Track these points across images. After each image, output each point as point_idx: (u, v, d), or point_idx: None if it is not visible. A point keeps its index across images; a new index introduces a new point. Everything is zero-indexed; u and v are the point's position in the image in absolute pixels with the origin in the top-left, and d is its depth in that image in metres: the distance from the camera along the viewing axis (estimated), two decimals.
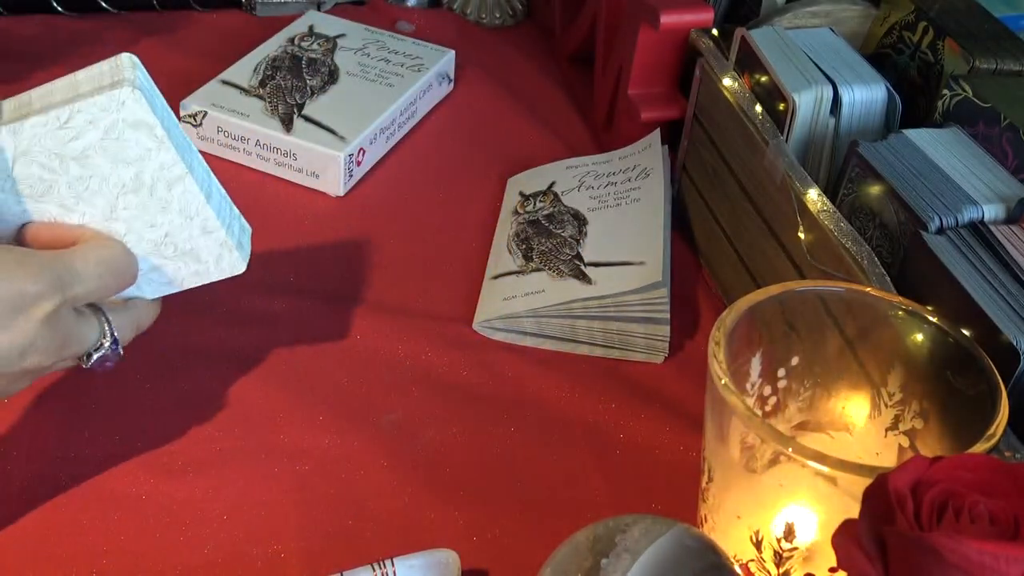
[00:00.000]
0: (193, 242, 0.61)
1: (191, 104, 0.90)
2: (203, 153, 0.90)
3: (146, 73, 0.61)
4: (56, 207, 0.58)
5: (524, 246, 0.81)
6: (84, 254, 0.56)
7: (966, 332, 0.56)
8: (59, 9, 1.05)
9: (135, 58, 0.60)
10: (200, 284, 0.63)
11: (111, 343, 0.57)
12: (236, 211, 0.64)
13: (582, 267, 0.77)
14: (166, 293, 0.62)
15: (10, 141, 0.58)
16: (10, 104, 0.60)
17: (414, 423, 0.70)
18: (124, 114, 0.57)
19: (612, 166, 0.88)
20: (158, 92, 0.60)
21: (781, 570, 0.54)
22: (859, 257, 0.63)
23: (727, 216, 0.80)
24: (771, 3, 0.88)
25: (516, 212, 0.86)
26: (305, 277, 0.80)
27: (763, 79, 0.77)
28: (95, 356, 0.57)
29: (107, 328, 0.57)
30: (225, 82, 0.93)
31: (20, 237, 0.58)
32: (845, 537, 0.43)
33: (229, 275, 0.63)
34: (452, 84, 1.03)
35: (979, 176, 0.67)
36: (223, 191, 0.63)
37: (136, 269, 0.59)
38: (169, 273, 0.61)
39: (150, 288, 0.61)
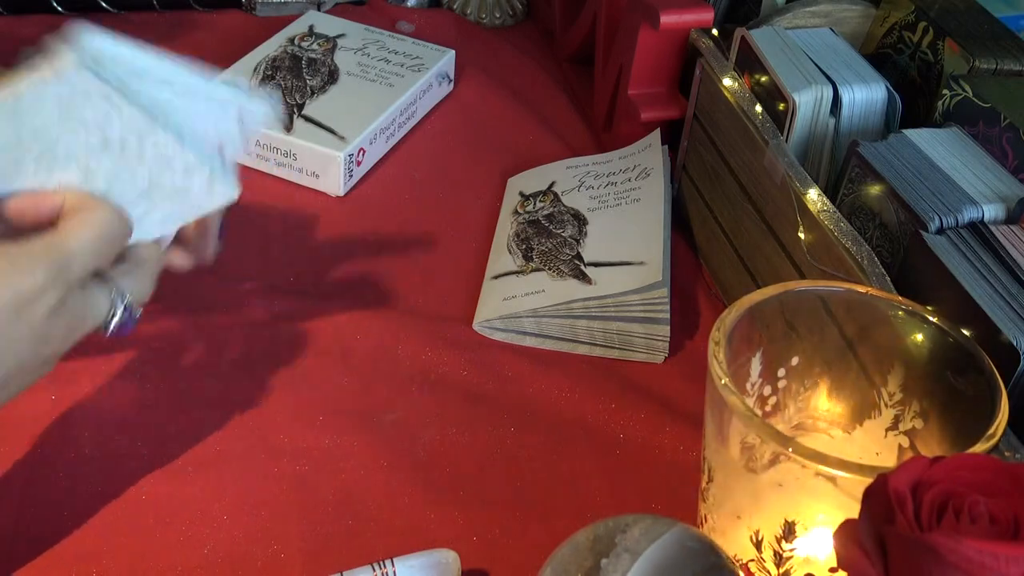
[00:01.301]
0: (178, 183, 0.59)
1: None
2: None
3: (98, 36, 0.58)
4: (30, 183, 0.57)
5: (524, 246, 0.81)
6: (76, 231, 0.54)
7: (966, 332, 0.56)
8: (59, 9, 1.05)
9: (83, 30, 0.58)
10: (199, 216, 0.61)
11: (124, 309, 0.56)
12: (220, 128, 0.61)
13: (582, 267, 0.77)
14: (166, 232, 0.61)
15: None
16: None
17: (414, 423, 0.70)
18: (68, 84, 0.56)
19: (612, 166, 0.88)
20: (118, 43, 0.57)
21: (781, 570, 0.54)
22: (859, 257, 0.63)
23: (727, 216, 0.80)
24: (771, 3, 0.88)
25: (516, 212, 0.86)
26: (305, 277, 0.80)
27: (763, 79, 0.77)
28: (112, 325, 0.56)
29: (116, 295, 0.56)
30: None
31: (2, 214, 0.57)
32: (845, 537, 0.43)
33: (225, 203, 0.61)
34: (452, 84, 1.03)
35: (979, 176, 0.67)
36: (207, 106, 0.61)
37: (129, 226, 0.57)
38: (164, 213, 0.60)
39: (150, 229, 0.60)
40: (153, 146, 0.58)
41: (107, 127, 0.57)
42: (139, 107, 0.58)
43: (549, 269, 0.78)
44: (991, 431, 0.51)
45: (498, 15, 1.16)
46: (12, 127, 0.56)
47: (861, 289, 0.60)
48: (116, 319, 0.56)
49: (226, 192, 0.61)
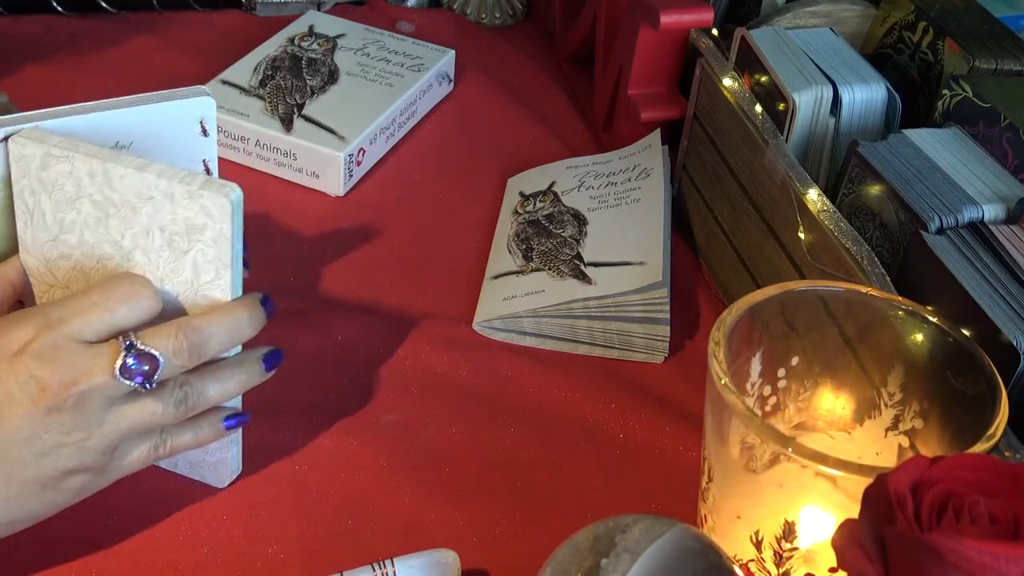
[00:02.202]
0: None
1: None
2: None
3: (212, 115, 0.59)
4: (81, 237, 0.56)
5: (524, 246, 0.81)
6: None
7: (966, 332, 0.56)
8: (59, 9, 1.05)
9: (204, 102, 0.59)
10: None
11: (132, 354, 0.53)
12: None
13: (582, 267, 0.77)
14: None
15: (99, 168, 0.55)
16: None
17: (414, 423, 0.70)
18: (206, 218, 0.55)
19: (612, 166, 0.88)
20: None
21: (781, 570, 0.54)
22: (859, 257, 0.63)
23: (727, 216, 0.80)
24: (771, 3, 0.88)
25: (516, 212, 0.86)
26: (305, 277, 0.80)
27: (763, 79, 0.77)
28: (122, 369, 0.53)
29: (123, 343, 0.53)
30: (225, 82, 0.93)
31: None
32: (845, 537, 0.43)
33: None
34: (452, 84, 1.03)
35: (979, 176, 0.67)
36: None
37: (148, 288, 0.55)
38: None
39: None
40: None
41: (194, 251, 0.56)
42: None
43: (549, 269, 0.78)
44: (991, 431, 0.51)
45: (498, 15, 1.16)
46: (134, 192, 0.55)
47: (861, 289, 0.60)
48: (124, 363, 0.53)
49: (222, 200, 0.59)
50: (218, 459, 0.62)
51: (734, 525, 0.56)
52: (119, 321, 0.54)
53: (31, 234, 0.58)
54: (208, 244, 0.56)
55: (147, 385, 0.54)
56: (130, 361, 0.53)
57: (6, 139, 0.56)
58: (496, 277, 0.80)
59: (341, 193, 0.89)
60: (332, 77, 0.96)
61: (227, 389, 0.58)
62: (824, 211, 0.67)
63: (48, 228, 0.57)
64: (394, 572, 0.57)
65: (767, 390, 0.61)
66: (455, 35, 1.11)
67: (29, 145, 0.55)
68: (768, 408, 0.62)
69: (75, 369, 0.52)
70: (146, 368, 0.53)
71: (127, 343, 0.53)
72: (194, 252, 0.56)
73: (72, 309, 0.54)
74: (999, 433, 0.51)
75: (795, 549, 0.53)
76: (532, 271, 0.79)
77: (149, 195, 0.55)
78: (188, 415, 0.56)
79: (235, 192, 0.55)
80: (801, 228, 0.69)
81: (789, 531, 0.53)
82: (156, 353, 0.54)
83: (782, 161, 0.71)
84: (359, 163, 0.90)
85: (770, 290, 0.59)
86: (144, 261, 0.57)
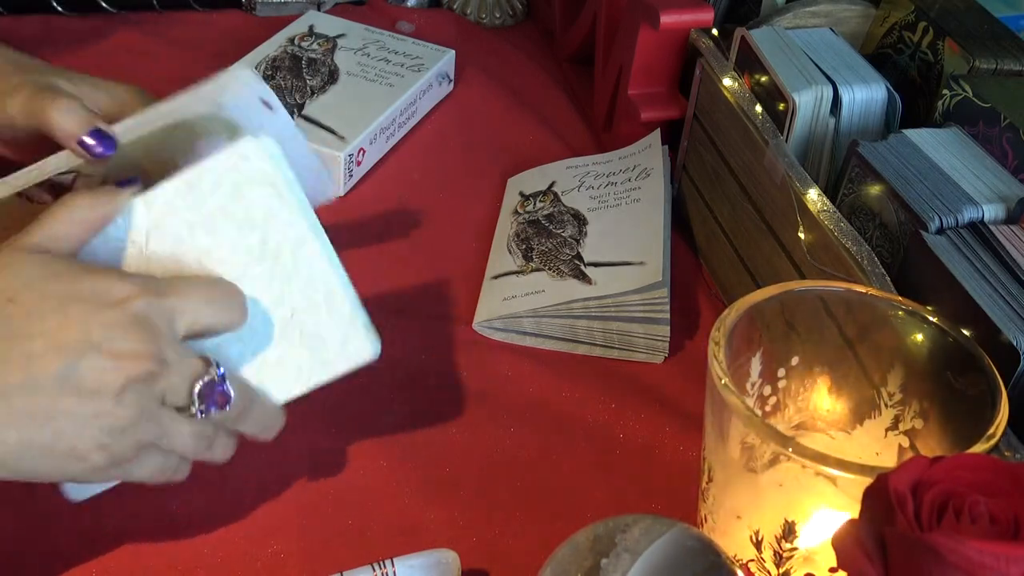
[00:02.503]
0: (319, 322, 0.56)
1: None
2: None
3: (266, 89, 0.58)
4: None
5: (524, 246, 0.81)
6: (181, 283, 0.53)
7: (966, 332, 0.56)
8: (59, 9, 1.05)
9: (249, 75, 0.57)
10: (327, 380, 0.57)
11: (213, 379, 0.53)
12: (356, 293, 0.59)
13: (582, 267, 0.77)
14: (292, 396, 0.57)
15: (144, 215, 0.55)
16: (122, 126, 0.58)
17: (414, 423, 0.70)
18: (247, 169, 0.54)
19: (612, 166, 0.88)
20: (275, 142, 0.56)
21: (781, 570, 0.54)
22: (859, 257, 0.63)
23: (727, 216, 0.80)
24: (771, 3, 0.88)
25: (516, 212, 0.86)
26: None
27: (763, 79, 0.77)
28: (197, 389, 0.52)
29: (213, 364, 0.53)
30: None
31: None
32: (845, 537, 0.43)
33: (357, 364, 0.58)
34: (452, 84, 1.03)
35: (979, 176, 0.67)
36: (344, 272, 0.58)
37: (242, 299, 0.55)
38: (295, 365, 0.56)
39: (275, 388, 0.57)
40: (306, 262, 0.55)
41: (268, 228, 0.55)
42: (302, 210, 0.55)
43: (549, 269, 0.78)
44: (991, 431, 0.51)
45: (498, 15, 1.16)
46: (187, 209, 0.54)
47: (861, 289, 0.60)
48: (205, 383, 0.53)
49: (361, 349, 0.57)
50: (344, 337, 0.58)
51: (734, 525, 0.56)
52: (203, 321, 0.53)
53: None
54: (272, 210, 0.54)
55: (201, 413, 0.53)
56: (211, 389, 0.53)
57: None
58: (496, 277, 0.80)
59: (341, 193, 0.89)
60: (332, 77, 0.96)
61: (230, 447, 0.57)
62: (824, 211, 0.67)
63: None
64: (394, 572, 0.57)
65: (767, 390, 0.61)
66: (455, 35, 1.11)
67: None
68: (768, 408, 0.62)
69: (161, 353, 0.51)
70: (218, 402, 0.53)
71: (220, 372, 0.53)
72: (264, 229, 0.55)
73: (175, 287, 0.52)
74: (999, 433, 0.51)
75: (795, 549, 0.53)
76: (532, 271, 0.79)
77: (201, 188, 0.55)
78: (202, 457, 0.55)
79: (262, 140, 0.54)
80: (801, 228, 0.69)
81: (789, 531, 0.53)
82: (234, 396, 0.53)
83: (782, 161, 0.71)
84: (359, 163, 0.90)
85: (770, 290, 0.59)
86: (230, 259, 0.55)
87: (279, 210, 0.55)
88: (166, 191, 0.55)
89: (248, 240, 0.55)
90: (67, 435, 0.50)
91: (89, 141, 0.58)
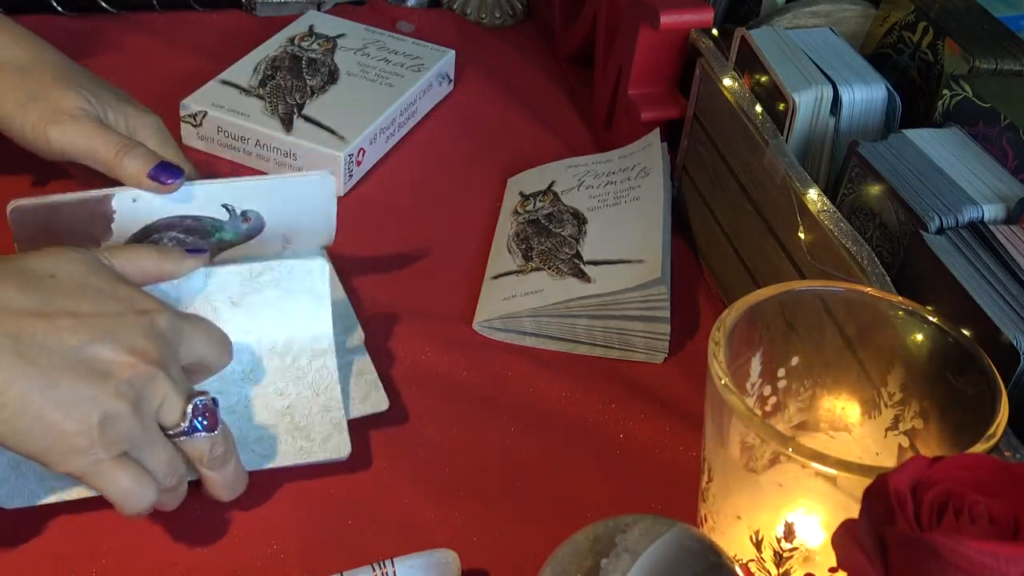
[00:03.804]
0: (310, 419, 0.62)
1: (191, 104, 0.90)
2: (203, 153, 0.91)
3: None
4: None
5: (524, 246, 0.81)
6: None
7: (966, 332, 0.56)
8: (59, 9, 1.05)
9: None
10: (300, 463, 0.62)
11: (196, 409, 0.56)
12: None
13: (581, 265, 0.77)
14: (262, 467, 0.62)
15: (199, 283, 0.61)
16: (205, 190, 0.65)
17: (414, 423, 0.70)
18: (307, 282, 0.62)
19: (612, 165, 0.88)
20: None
21: (781, 570, 0.55)
22: (859, 257, 0.63)
23: (727, 216, 0.80)
24: (771, 3, 0.88)
25: (516, 212, 0.86)
26: None
27: (763, 79, 0.77)
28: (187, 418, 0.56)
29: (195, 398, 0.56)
30: (225, 82, 0.93)
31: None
32: (845, 537, 0.43)
33: (331, 458, 0.62)
34: (452, 84, 1.03)
35: (979, 176, 0.67)
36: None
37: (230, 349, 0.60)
38: (273, 446, 0.62)
39: (248, 458, 0.61)
40: (317, 370, 0.63)
41: (299, 332, 0.63)
42: (331, 328, 0.64)
43: (549, 268, 0.78)
44: (991, 431, 0.51)
45: (498, 15, 1.16)
46: (239, 290, 0.61)
47: (861, 289, 0.60)
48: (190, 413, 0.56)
49: (339, 447, 0.63)
50: (326, 434, 0.64)
51: (734, 525, 0.56)
52: (199, 353, 0.59)
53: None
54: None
55: (182, 436, 0.56)
56: (205, 409, 0.56)
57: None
58: (496, 277, 0.80)
59: (341, 193, 0.89)
60: (332, 77, 0.95)
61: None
62: (824, 211, 0.67)
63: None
64: (394, 572, 0.57)
65: (767, 390, 0.61)
66: (455, 35, 1.11)
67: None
68: (768, 408, 0.62)
69: (169, 366, 0.55)
70: (207, 423, 0.56)
71: (215, 400, 0.57)
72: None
73: (188, 319, 0.58)
74: (999, 433, 0.51)
75: (795, 549, 0.53)
76: (532, 271, 0.79)
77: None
78: (163, 486, 0.56)
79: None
80: (801, 228, 0.69)
81: (789, 531, 0.53)
82: (221, 423, 0.57)
83: (782, 161, 0.71)
84: (359, 163, 0.90)
85: (770, 290, 0.59)
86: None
87: (315, 324, 0.63)
88: (229, 272, 0.61)
89: (276, 335, 0.62)
90: (60, 406, 0.52)
91: (159, 176, 0.66)
